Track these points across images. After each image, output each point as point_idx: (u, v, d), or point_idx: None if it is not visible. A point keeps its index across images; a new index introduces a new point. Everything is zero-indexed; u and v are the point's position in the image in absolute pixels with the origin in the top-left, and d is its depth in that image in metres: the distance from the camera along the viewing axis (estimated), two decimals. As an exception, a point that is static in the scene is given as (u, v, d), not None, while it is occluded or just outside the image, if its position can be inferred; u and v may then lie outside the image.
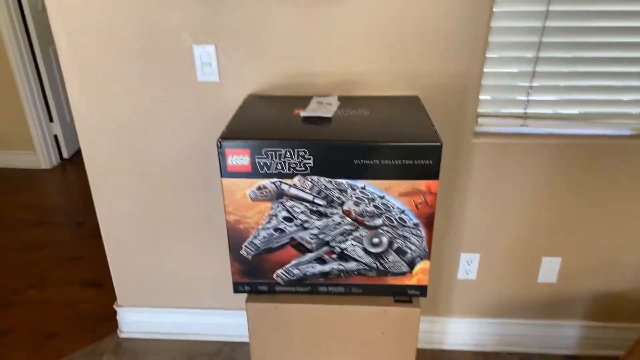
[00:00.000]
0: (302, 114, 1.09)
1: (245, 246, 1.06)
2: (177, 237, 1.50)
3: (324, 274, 1.08)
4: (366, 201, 1.00)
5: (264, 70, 1.24)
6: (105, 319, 1.74)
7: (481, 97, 1.29)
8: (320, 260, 1.07)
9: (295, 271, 1.08)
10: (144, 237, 1.51)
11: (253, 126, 1.03)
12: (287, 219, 1.03)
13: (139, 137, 1.35)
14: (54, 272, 2.01)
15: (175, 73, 1.26)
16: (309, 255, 1.06)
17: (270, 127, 1.03)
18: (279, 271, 1.08)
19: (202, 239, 1.49)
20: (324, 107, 1.13)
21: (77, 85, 1.29)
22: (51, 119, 2.95)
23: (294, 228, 1.04)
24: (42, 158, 2.92)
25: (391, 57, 1.21)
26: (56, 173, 2.90)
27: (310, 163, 0.96)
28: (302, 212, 1.02)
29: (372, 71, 1.23)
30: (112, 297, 1.84)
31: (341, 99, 1.19)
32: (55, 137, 3.00)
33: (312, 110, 1.10)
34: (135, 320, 1.64)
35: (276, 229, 1.04)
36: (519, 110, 1.30)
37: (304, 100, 1.18)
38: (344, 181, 0.98)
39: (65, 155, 3.06)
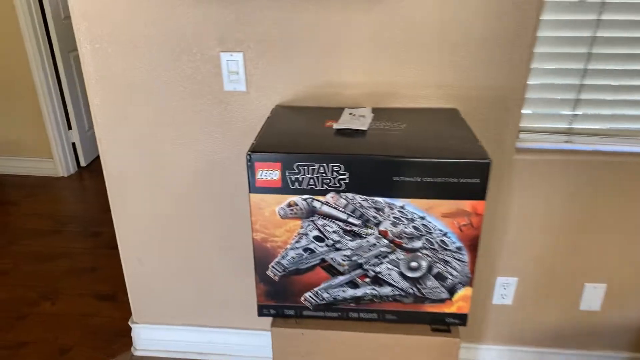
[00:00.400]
0: (335, 126, 1.02)
1: (272, 267, 0.99)
2: (197, 252, 1.43)
3: (356, 299, 1.01)
4: (405, 222, 0.92)
5: (292, 80, 1.18)
6: (119, 335, 1.68)
7: (523, 111, 1.21)
8: (352, 284, 0.99)
9: (325, 295, 1.01)
10: (163, 251, 1.45)
11: (284, 139, 0.97)
12: (318, 238, 0.95)
13: (161, 147, 1.29)
14: (67, 284, 1.96)
15: (200, 82, 1.20)
16: (340, 278, 0.99)
17: (302, 140, 0.96)
18: (307, 294, 1.01)
19: (224, 255, 1.43)
20: (358, 119, 1.06)
21: (99, 93, 1.24)
22: (70, 127, 2.94)
23: (325, 249, 0.96)
24: (60, 166, 2.89)
25: (428, 67, 1.14)
26: (73, 181, 2.87)
27: (345, 179, 0.89)
28: (334, 232, 0.94)
29: (406, 82, 1.16)
30: (126, 311, 1.78)
31: (375, 110, 1.12)
32: (73, 145, 2.98)
33: (345, 122, 1.04)
34: (150, 338, 1.58)
35: (306, 249, 0.97)
36: (564, 125, 1.22)
37: (335, 112, 1.11)
38: (381, 199, 0.90)
39: (83, 163, 3.04)
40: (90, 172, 2.99)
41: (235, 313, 1.51)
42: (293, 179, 0.90)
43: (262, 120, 1.22)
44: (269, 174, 0.90)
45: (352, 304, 1.01)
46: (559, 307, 1.39)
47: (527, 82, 1.16)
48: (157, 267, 1.47)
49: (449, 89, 1.16)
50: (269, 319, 1.05)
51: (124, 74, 1.22)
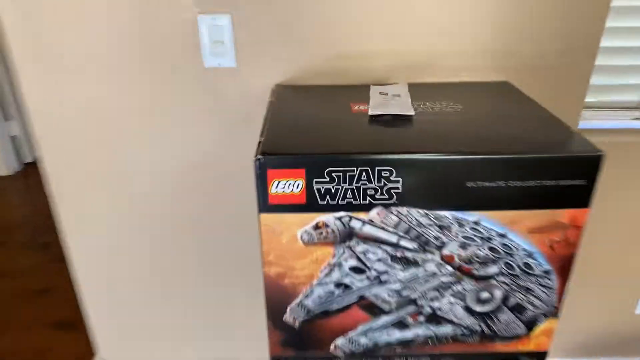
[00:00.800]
0: (371, 111, 0.74)
1: (292, 309, 0.72)
2: (177, 272, 1.14)
3: (404, 343, 0.75)
4: (479, 242, 0.67)
5: (297, 51, 0.89)
6: (83, 372, 1.38)
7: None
8: (401, 325, 0.74)
9: (363, 340, 0.75)
10: (132, 272, 1.15)
11: (304, 133, 0.69)
12: (356, 270, 0.69)
13: (123, 146, 0.98)
14: (15, 311, 1.62)
15: (172, 56, 0.89)
16: (385, 319, 0.73)
17: (329, 134, 0.68)
18: (339, 341, 0.75)
19: (212, 277, 1.14)
20: (393, 100, 0.78)
21: (32, 74, 0.91)
22: (6, 117, 2.51)
23: (366, 282, 0.70)
24: (0, 163, 2.48)
25: (473, 30, 0.88)
26: (16, 180, 2.47)
27: (397, 188, 0.62)
28: (379, 260, 0.68)
29: (446, 50, 0.89)
30: (91, 344, 1.47)
31: (411, 88, 0.85)
32: (14, 138, 2.57)
33: (380, 105, 0.76)
34: (121, 376, 1.29)
35: (339, 285, 0.70)
36: (635, 99, 0.99)
37: (358, 91, 0.84)
38: (448, 214, 0.64)
39: (28, 159, 2.63)
40: (37, 170, 2.59)
41: (231, 343, 1.24)
42: (323, 190, 0.62)
43: (259, 106, 0.93)
44: (289, 185, 0.62)
45: (398, 349, 0.76)
46: (610, 312, 1.19)
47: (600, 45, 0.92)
48: (126, 291, 1.17)
49: (499, 57, 0.90)
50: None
51: (67, 48, 0.89)
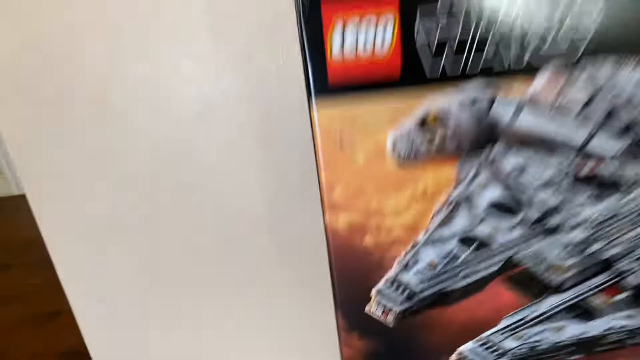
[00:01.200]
0: None
1: (381, 292, 0.40)
2: (183, 294, 0.84)
3: (588, 343, 0.42)
4: None
5: None
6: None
7: None
8: (580, 312, 0.41)
9: (509, 343, 0.42)
10: (135, 290, 0.86)
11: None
12: (501, 207, 0.37)
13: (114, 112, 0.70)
14: (22, 338, 1.38)
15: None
16: (551, 302, 0.40)
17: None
18: (467, 347, 0.42)
19: (228, 302, 0.83)
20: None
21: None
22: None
23: (520, 232, 0.37)
24: (13, 181, 2.30)
25: None
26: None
27: (590, 19, 0.31)
28: (546, 186, 0.36)
29: None
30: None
31: None
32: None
33: None
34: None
35: (467, 240, 0.38)
36: None
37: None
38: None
39: (45, 176, 2.45)
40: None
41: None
42: (435, 42, 0.31)
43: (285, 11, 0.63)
44: (366, 33, 0.31)
45: (574, 355, 0.43)
46: None
47: None
48: (131, 310, 0.89)
49: None
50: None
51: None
